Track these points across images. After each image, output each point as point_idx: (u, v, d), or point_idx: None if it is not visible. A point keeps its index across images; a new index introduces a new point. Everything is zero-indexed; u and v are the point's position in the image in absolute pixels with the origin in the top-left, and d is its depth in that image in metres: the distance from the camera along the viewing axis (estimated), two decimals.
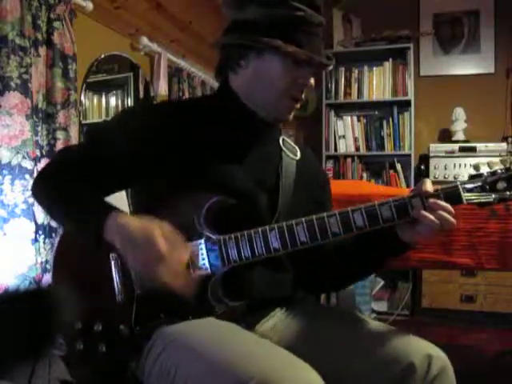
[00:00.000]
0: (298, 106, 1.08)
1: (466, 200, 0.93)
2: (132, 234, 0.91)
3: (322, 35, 1.05)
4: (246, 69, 1.05)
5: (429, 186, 0.95)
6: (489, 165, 0.95)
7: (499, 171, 0.93)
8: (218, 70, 1.12)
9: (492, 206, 0.95)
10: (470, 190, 0.93)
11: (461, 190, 0.93)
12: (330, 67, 1.08)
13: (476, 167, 0.97)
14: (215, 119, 1.08)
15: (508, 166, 0.94)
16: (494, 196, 0.93)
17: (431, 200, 0.93)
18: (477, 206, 0.95)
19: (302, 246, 0.96)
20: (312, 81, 1.06)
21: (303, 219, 0.96)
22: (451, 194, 0.93)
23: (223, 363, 0.81)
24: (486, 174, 0.94)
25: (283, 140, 1.17)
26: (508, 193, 0.93)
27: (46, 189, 1.05)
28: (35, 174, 1.83)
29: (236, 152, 1.07)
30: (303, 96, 1.07)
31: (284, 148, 1.15)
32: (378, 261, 1.09)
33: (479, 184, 0.93)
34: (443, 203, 0.92)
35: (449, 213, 0.92)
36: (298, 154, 1.18)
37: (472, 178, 0.94)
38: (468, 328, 3.00)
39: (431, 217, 0.91)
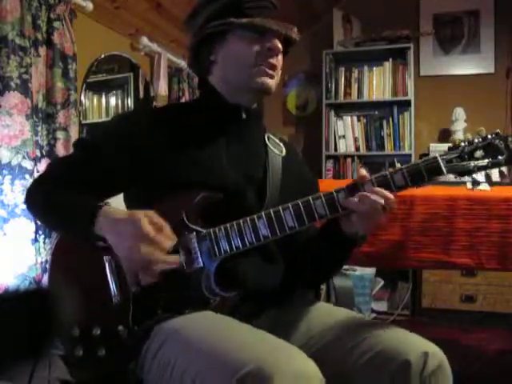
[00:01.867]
0: (273, 72, 1.09)
1: (447, 170, 0.94)
2: (118, 221, 0.94)
3: (276, 10, 1.11)
4: (217, 62, 1.11)
5: (363, 173, 0.98)
6: (465, 137, 0.96)
7: (476, 141, 0.94)
8: (199, 81, 1.18)
9: (471, 175, 0.96)
10: (449, 161, 0.94)
11: (440, 161, 0.94)
12: (293, 34, 1.10)
13: (453, 140, 0.98)
14: (202, 119, 1.12)
15: (485, 135, 0.95)
16: (473, 164, 0.94)
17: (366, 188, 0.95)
18: (458, 175, 0.96)
19: (291, 230, 0.97)
20: (278, 44, 1.08)
21: (289, 204, 0.97)
22: (432, 166, 0.94)
23: (219, 353, 0.82)
24: (463, 144, 0.95)
25: (268, 137, 1.20)
26: (487, 160, 0.94)
27: (38, 203, 1.08)
28: (35, 174, 1.84)
29: (224, 148, 1.10)
30: (275, 61, 1.09)
31: (269, 144, 1.18)
32: (334, 257, 1.12)
33: (457, 154, 0.94)
34: (373, 188, 0.95)
35: (380, 196, 0.94)
36: (284, 151, 1.20)
37: (450, 149, 0.95)
38: (468, 328, 3.00)
39: (355, 201, 0.94)
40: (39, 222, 1.73)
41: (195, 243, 1.00)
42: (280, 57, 1.11)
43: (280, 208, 0.98)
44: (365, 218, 0.96)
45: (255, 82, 1.08)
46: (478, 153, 0.94)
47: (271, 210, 0.98)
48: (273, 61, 1.08)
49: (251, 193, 1.09)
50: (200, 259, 0.99)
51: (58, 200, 1.04)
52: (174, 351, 0.89)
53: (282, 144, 1.22)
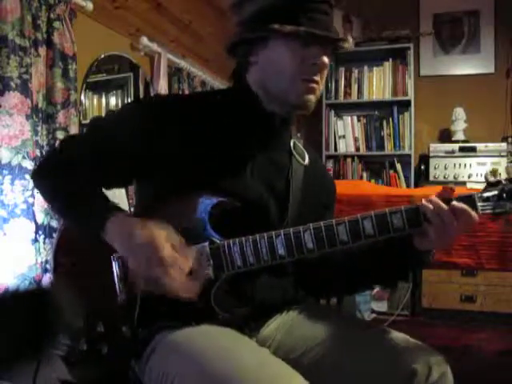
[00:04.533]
0: (315, 86, 1.00)
1: (481, 210, 0.89)
2: (134, 238, 0.90)
3: (330, 11, 0.99)
4: (257, 64, 1.02)
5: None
6: (507, 170, 0.91)
7: None
8: (233, 73, 1.09)
9: (506, 215, 0.90)
10: (485, 200, 0.89)
11: (476, 200, 0.89)
12: (346, 45, 1.02)
13: (494, 172, 0.93)
14: (228, 117, 1.04)
15: None
16: (509, 205, 0.88)
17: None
18: (491, 216, 0.90)
19: (309, 253, 0.92)
20: (325, 59, 0.98)
21: (311, 225, 0.92)
22: (466, 203, 0.89)
23: (218, 372, 0.80)
24: (503, 181, 0.89)
25: (294, 144, 1.14)
26: None
27: (47, 181, 1.04)
28: None
29: (246, 154, 1.04)
30: (319, 78, 1.00)
31: (294, 153, 1.12)
32: (394, 272, 1.07)
33: (496, 193, 0.89)
34: (460, 205, 0.88)
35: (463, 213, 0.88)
36: (307, 158, 1.15)
37: (489, 185, 0.90)
38: (468, 328, 3.00)
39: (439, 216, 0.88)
40: (43, 199, 1.60)
41: (208, 253, 0.95)
42: (326, 70, 1.01)
43: (300, 228, 0.92)
44: (442, 232, 0.90)
45: (296, 99, 1.00)
46: None
47: (291, 229, 0.93)
48: (317, 78, 0.99)
49: (272, 205, 1.04)
50: (211, 271, 0.94)
51: (67, 189, 0.99)
52: (174, 365, 0.87)
53: (305, 150, 1.16)
